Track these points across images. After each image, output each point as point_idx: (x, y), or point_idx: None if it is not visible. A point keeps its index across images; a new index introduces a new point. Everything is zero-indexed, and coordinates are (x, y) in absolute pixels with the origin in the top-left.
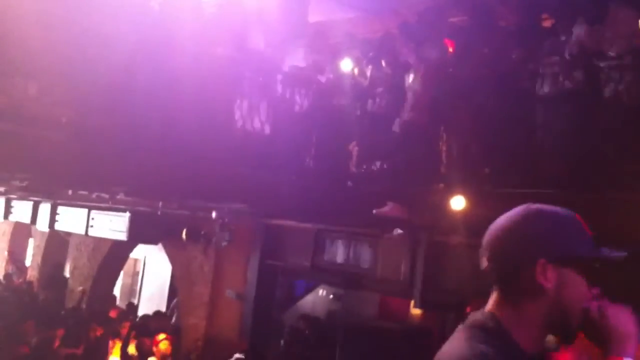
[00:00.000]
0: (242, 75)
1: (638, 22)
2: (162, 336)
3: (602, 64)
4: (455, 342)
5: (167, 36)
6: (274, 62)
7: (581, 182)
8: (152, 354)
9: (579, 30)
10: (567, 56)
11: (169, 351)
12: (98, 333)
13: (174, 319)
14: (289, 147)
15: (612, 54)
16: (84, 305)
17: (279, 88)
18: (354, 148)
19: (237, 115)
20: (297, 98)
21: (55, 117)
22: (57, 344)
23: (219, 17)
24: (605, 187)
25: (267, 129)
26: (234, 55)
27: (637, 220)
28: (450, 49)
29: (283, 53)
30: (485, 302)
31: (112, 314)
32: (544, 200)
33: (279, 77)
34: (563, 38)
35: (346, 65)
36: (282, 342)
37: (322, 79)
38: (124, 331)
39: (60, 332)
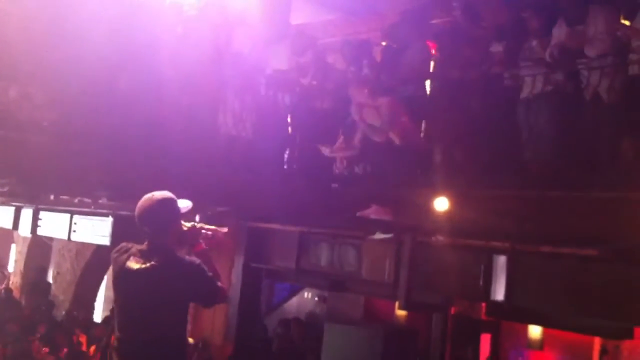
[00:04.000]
0: (225, 77)
1: (619, 22)
2: None
3: (583, 64)
4: None
5: (149, 38)
6: (257, 65)
7: (566, 182)
8: None
9: (559, 31)
10: (547, 57)
11: None
12: (81, 339)
13: None
14: (272, 149)
15: (593, 54)
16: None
17: (262, 90)
18: (337, 149)
19: (221, 118)
20: (280, 100)
21: (36, 120)
22: (35, 349)
23: (200, 19)
24: (590, 187)
25: (251, 132)
26: (216, 57)
27: (623, 219)
28: (433, 51)
29: (265, 55)
30: (469, 302)
31: None
32: (529, 201)
33: (262, 79)
34: (544, 39)
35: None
36: (267, 345)
37: (305, 80)
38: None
39: (38, 338)
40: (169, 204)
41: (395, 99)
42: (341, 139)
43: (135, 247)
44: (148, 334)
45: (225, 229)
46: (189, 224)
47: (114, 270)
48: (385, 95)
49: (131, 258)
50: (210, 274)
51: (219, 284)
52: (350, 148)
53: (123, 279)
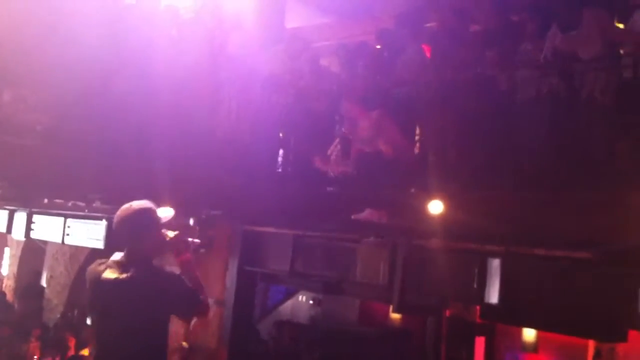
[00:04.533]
0: (219, 80)
1: (612, 25)
2: None
3: (577, 67)
4: None
5: (144, 41)
6: (252, 68)
7: (559, 184)
8: None
9: (553, 34)
10: (542, 60)
11: None
12: (71, 343)
13: None
14: (266, 152)
15: (587, 57)
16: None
17: (257, 94)
18: (332, 153)
19: (216, 121)
20: (275, 104)
21: (30, 124)
22: (29, 353)
23: (195, 23)
24: (584, 189)
25: (245, 135)
26: (212, 60)
27: (617, 221)
28: (427, 54)
29: (260, 59)
30: (464, 305)
31: None
32: (523, 203)
33: (257, 83)
34: (539, 41)
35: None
36: (262, 348)
37: (300, 84)
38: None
39: (33, 342)
40: (147, 214)
41: (385, 111)
42: (335, 147)
43: (112, 259)
44: (126, 345)
45: (197, 241)
46: (172, 233)
47: (90, 282)
48: (377, 104)
49: (108, 269)
50: (190, 285)
51: (201, 296)
52: (345, 164)
53: (99, 290)
